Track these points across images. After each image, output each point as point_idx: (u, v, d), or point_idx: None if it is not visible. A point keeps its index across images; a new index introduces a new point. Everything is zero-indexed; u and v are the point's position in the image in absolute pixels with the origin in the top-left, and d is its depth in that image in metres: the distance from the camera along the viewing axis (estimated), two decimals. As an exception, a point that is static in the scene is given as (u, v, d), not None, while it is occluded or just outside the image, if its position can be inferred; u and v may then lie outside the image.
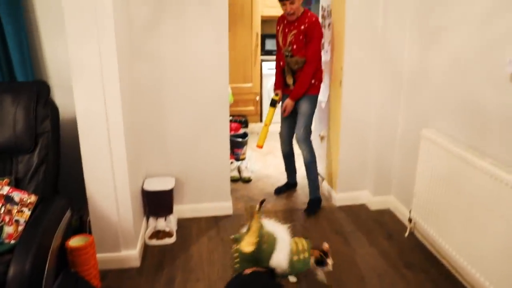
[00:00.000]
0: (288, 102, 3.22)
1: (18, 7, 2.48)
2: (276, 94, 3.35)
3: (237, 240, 2.23)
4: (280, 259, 2.15)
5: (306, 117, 3.23)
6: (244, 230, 2.31)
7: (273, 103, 3.33)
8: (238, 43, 5.55)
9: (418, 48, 2.84)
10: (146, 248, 2.78)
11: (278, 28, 3.22)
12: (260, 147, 3.34)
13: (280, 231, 2.24)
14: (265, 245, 2.15)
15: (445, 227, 2.44)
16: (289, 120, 3.40)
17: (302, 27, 3.03)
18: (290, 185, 3.75)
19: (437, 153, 2.49)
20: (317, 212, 3.29)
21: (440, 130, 2.59)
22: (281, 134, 3.55)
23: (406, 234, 2.91)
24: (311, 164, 3.30)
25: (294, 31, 3.07)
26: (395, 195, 3.27)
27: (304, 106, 3.22)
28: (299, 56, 3.10)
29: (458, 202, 2.29)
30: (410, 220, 2.87)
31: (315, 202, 3.34)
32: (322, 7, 3.63)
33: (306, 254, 2.20)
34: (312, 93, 3.22)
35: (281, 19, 3.22)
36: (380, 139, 3.20)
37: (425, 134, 2.63)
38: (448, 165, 2.38)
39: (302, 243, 2.24)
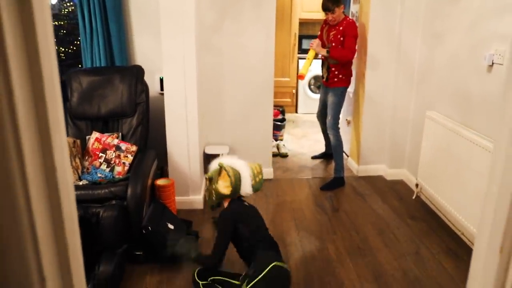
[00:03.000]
0: (320, 49, 3.66)
1: (120, 12, 3.36)
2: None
3: (211, 180, 2.45)
4: (246, 188, 2.45)
5: (333, 108, 3.82)
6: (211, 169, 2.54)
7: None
8: (278, 42, 6.23)
9: (426, 47, 3.53)
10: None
11: (323, 26, 3.87)
12: (302, 76, 3.56)
13: (238, 164, 2.47)
14: (232, 178, 2.41)
15: (441, 186, 3.12)
16: (323, 106, 4.12)
17: (341, 28, 3.63)
18: (327, 155, 4.48)
19: (437, 129, 3.18)
20: (334, 189, 3.82)
21: (440, 111, 3.27)
22: (317, 115, 4.30)
23: (414, 196, 3.60)
24: (336, 148, 3.88)
25: (334, 32, 3.69)
26: (407, 168, 3.95)
27: (331, 98, 3.84)
28: None
29: (451, 165, 2.97)
30: (417, 185, 3.56)
31: (336, 181, 3.89)
32: (352, 12, 4.36)
33: (261, 176, 2.55)
34: (339, 85, 3.80)
35: (326, 21, 3.82)
36: (395, 121, 3.89)
37: (428, 115, 3.32)
38: (444, 137, 3.07)
39: (256, 166, 2.55)
